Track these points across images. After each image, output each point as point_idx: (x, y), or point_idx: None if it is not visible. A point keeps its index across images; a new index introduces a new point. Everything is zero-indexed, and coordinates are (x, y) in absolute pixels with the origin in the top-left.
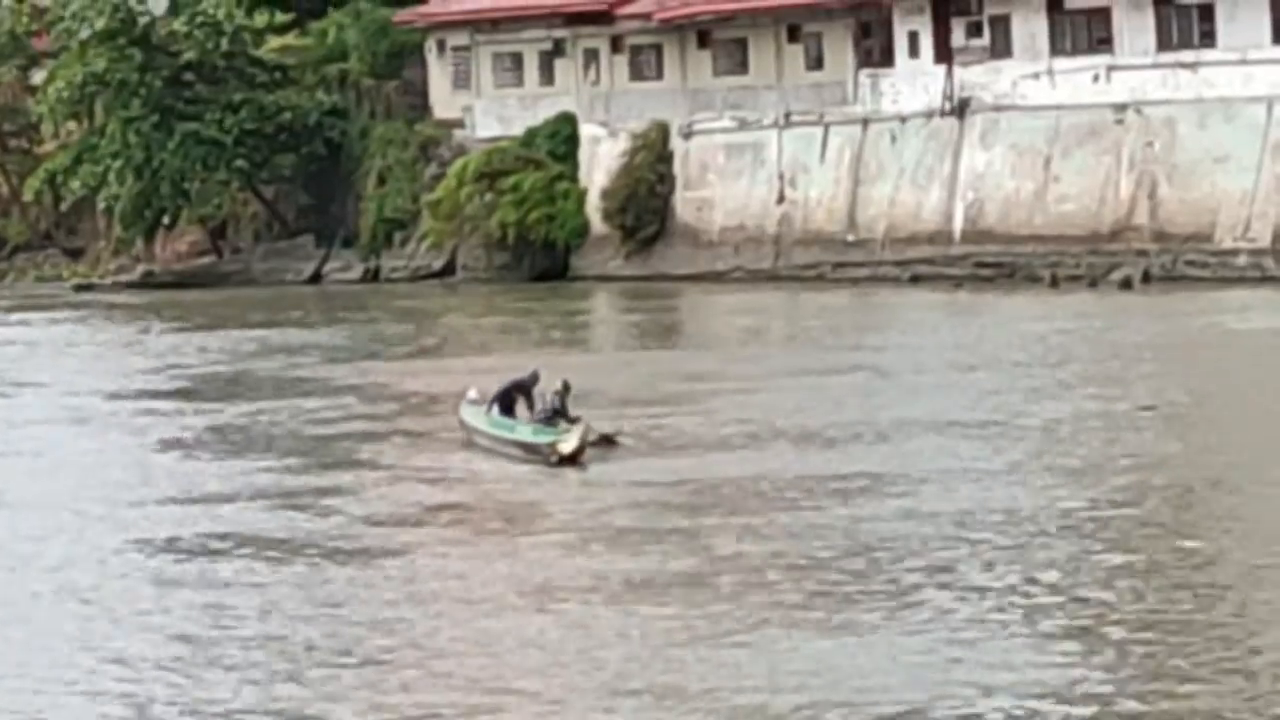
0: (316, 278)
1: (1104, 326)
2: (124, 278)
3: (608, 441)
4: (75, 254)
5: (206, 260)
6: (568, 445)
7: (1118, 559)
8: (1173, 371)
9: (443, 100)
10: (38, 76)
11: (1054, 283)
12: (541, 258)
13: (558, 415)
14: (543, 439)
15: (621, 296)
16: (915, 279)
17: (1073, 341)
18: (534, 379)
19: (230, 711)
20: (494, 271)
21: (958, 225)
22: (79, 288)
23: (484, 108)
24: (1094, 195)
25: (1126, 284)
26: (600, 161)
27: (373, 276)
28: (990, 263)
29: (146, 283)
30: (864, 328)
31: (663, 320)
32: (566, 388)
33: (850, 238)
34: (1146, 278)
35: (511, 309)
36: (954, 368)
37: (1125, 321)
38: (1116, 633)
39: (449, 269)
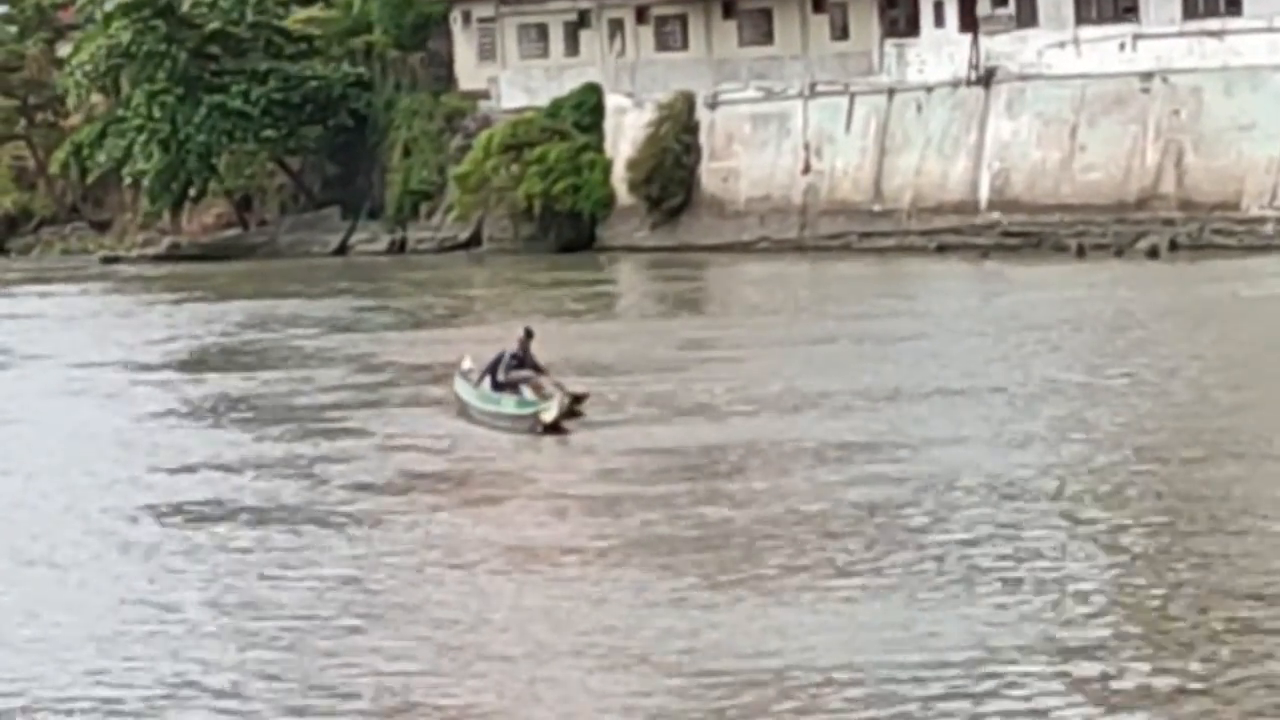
0: (343, 249)
1: (1129, 295)
2: (150, 250)
3: (575, 400)
4: (102, 227)
5: (233, 232)
6: (549, 414)
7: (1118, 522)
8: (1198, 338)
9: (468, 72)
10: (64, 49)
11: (1080, 252)
12: (567, 228)
13: (521, 363)
14: (526, 410)
15: (646, 267)
16: (941, 249)
17: (1096, 309)
18: (524, 345)
19: (208, 675)
20: (520, 242)
21: (984, 195)
22: (105, 260)
23: (509, 79)
24: (1120, 164)
25: (1153, 253)
26: (626, 132)
27: (399, 248)
28: (1016, 232)
29: (173, 255)
30: (886, 296)
31: (684, 290)
32: (529, 334)
33: (876, 207)
34: (1173, 246)
35: (534, 280)
36: (972, 335)
37: (1151, 290)
38: (1115, 594)
39: (475, 240)
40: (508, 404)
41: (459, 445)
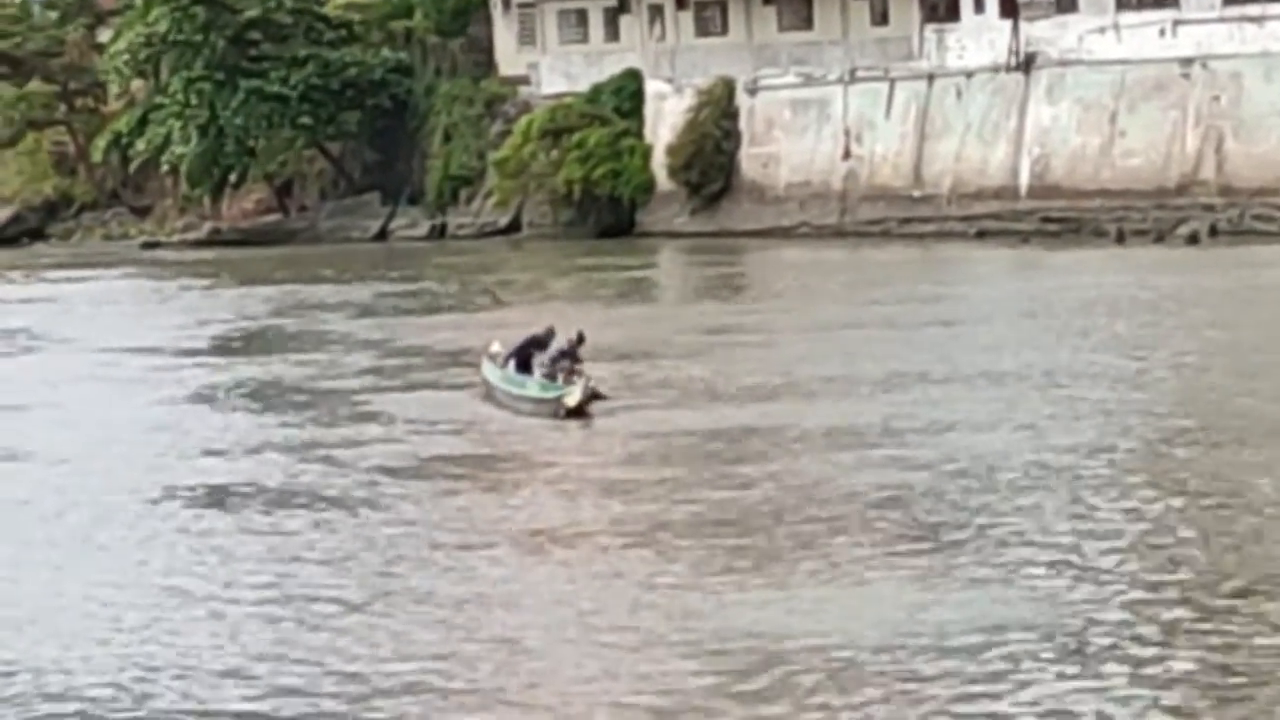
0: (383, 235)
1: (1170, 281)
2: (190, 236)
3: (595, 396)
4: (142, 212)
5: (273, 218)
6: (573, 399)
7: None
8: (1238, 323)
9: (508, 57)
10: (104, 35)
11: (1120, 238)
12: (607, 214)
13: (565, 357)
14: (549, 394)
15: (685, 252)
16: (981, 234)
17: (1136, 295)
18: (549, 334)
19: (224, 658)
20: (560, 228)
21: (1024, 180)
22: (146, 246)
23: (549, 64)
24: (1160, 150)
25: (1193, 238)
26: (665, 118)
27: (439, 233)
28: (1056, 218)
29: (213, 240)
30: (923, 282)
31: (722, 275)
32: (581, 338)
33: (916, 193)
34: (1213, 232)
35: (571, 265)
36: (1009, 320)
37: (1192, 276)
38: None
39: (515, 226)
40: (532, 387)
41: (482, 429)
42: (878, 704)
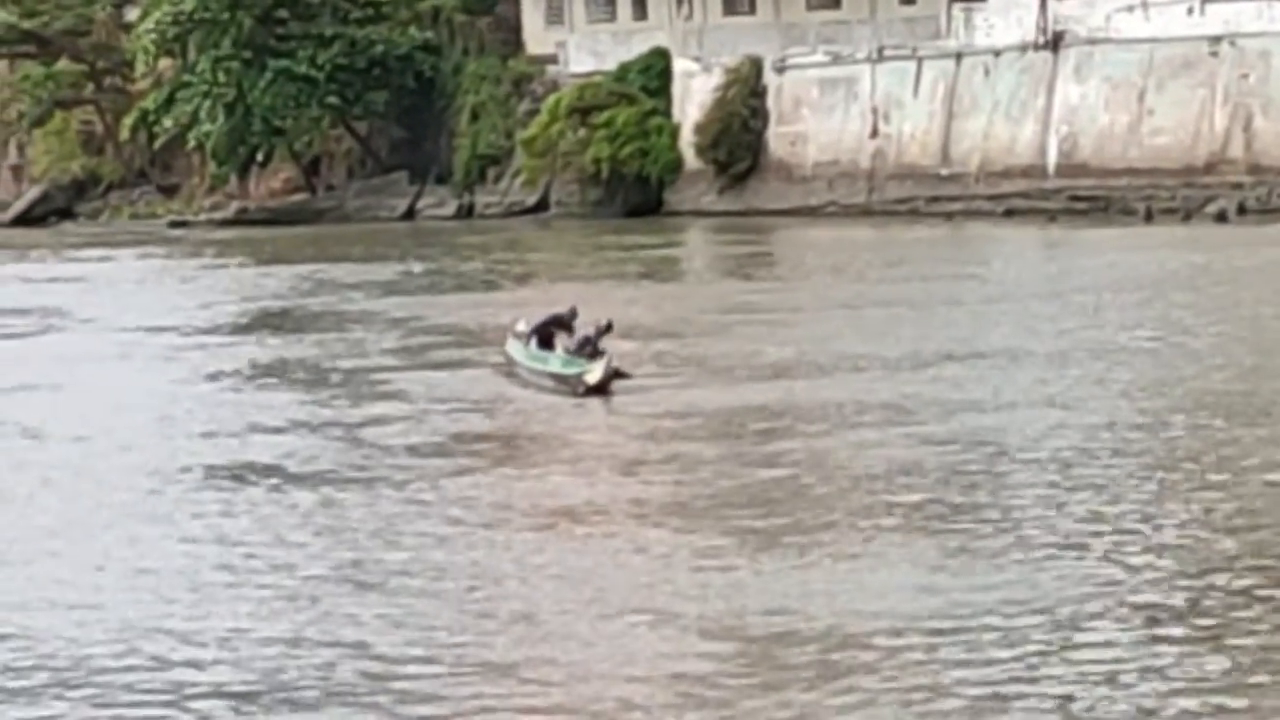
0: (410, 214)
1: (1198, 259)
2: (218, 215)
3: (617, 375)
4: (170, 191)
5: (300, 197)
6: (594, 376)
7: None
8: (1267, 301)
9: (535, 36)
10: (131, 13)
11: (1148, 216)
12: (635, 193)
13: (588, 342)
14: (571, 370)
15: (712, 231)
16: (1009, 213)
17: (1162, 273)
18: (573, 314)
19: (241, 634)
20: (588, 207)
21: (1052, 159)
22: (173, 225)
23: (577, 43)
24: (1188, 128)
25: (1221, 217)
26: (693, 96)
27: (466, 213)
28: (1084, 196)
29: (240, 220)
30: (949, 260)
31: (748, 254)
32: (609, 327)
33: (944, 172)
34: (1241, 210)
35: (598, 243)
36: (1035, 298)
37: (1220, 254)
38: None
39: (543, 205)
40: (554, 363)
41: (503, 406)
42: (894, 682)
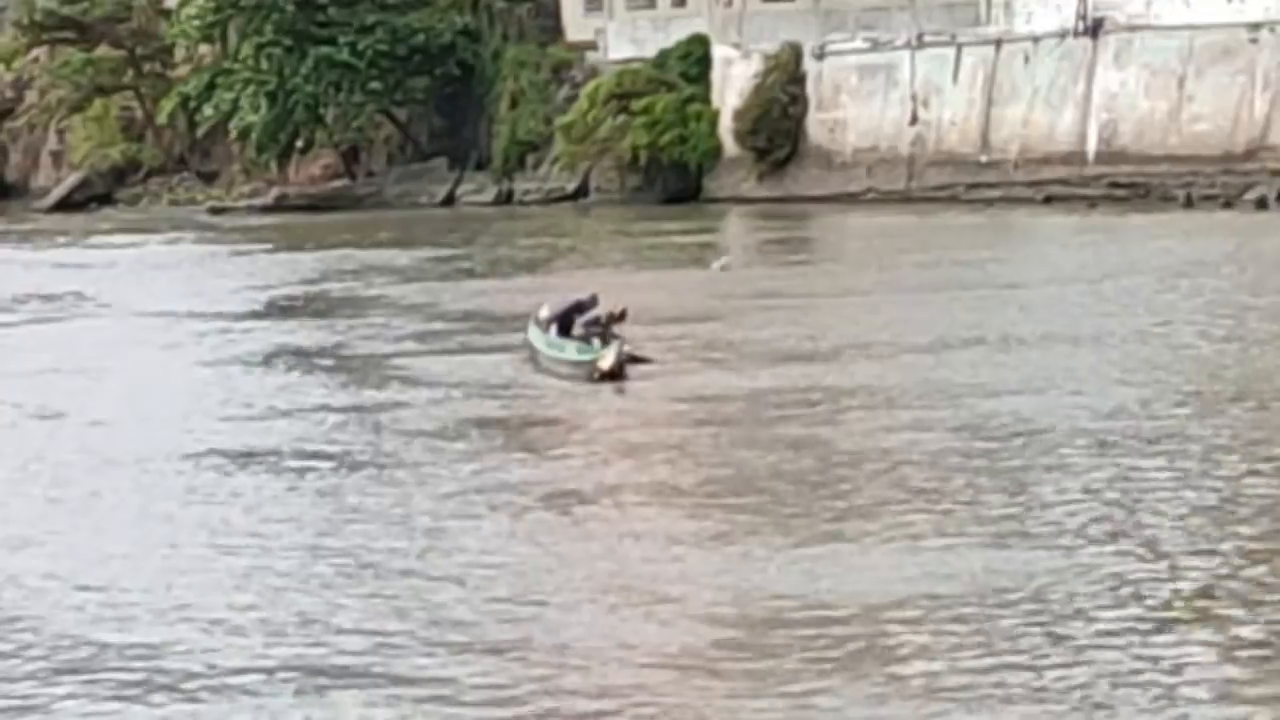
0: (450, 200)
1: (1238, 246)
2: (257, 201)
3: (636, 360)
4: (209, 178)
5: (340, 184)
6: (606, 362)
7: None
8: None
9: (575, 22)
10: (171, 0)
11: (1188, 203)
12: (674, 180)
13: (596, 323)
14: (585, 356)
15: (751, 218)
16: (1049, 200)
17: (1202, 259)
18: (593, 300)
19: (246, 616)
20: (626, 194)
21: (1091, 146)
22: (213, 211)
23: (616, 30)
24: (1228, 115)
25: (1261, 204)
26: (732, 83)
27: (505, 199)
28: (1124, 183)
29: (280, 206)
30: (987, 247)
31: (786, 240)
32: (623, 314)
33: (983, 159)
34: None
35: (635, 230)
36: (1073, 285)
37: (1260, 240)
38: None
39: (582, 191)
40: (570, 350)
41: (520, 392)
42: (904, 667)
